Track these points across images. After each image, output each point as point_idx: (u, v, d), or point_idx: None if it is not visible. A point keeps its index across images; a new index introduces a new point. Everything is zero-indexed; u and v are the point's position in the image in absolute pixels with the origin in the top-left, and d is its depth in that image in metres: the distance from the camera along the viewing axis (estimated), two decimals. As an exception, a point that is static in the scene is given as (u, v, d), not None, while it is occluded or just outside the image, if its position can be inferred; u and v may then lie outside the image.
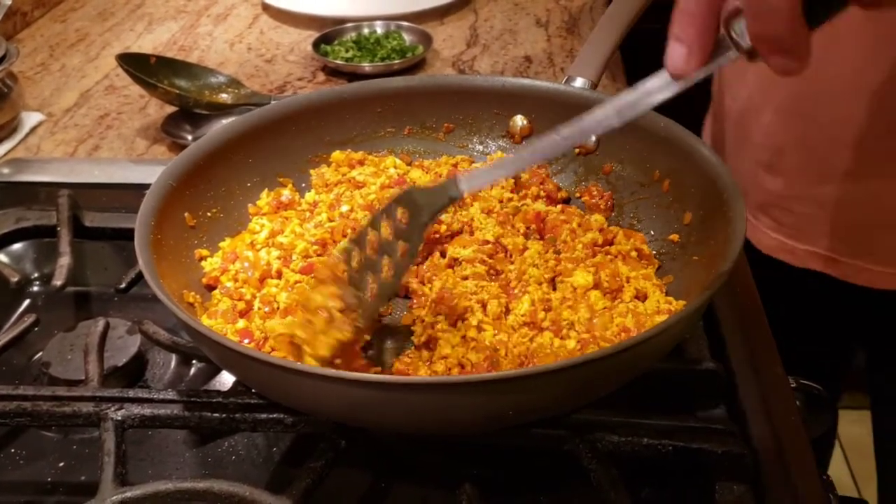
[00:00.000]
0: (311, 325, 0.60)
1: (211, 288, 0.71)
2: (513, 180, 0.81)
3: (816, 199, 0.86)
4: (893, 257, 0.86)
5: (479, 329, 0.64)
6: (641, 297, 0.67)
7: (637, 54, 1.38)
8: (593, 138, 0.81)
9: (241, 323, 0.66)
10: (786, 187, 0.88)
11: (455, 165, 0.84)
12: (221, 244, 0.74)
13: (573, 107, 0.81)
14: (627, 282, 0.68)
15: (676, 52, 0.49)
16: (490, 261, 0.71)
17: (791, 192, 0.88)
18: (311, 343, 0.59)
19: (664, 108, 0.76)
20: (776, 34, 0.45)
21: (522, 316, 0.65)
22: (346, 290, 0.62)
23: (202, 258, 0.73)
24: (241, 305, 0.68)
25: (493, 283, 0.69)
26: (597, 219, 0.75)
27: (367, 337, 0.63)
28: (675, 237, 0.73)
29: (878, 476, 1.08)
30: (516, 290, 0.68)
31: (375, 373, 0.62)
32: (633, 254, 0.70)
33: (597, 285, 0.68)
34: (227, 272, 0.71)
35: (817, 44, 0.76)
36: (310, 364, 0.59)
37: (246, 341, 0.65)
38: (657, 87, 0.52)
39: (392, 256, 0.62)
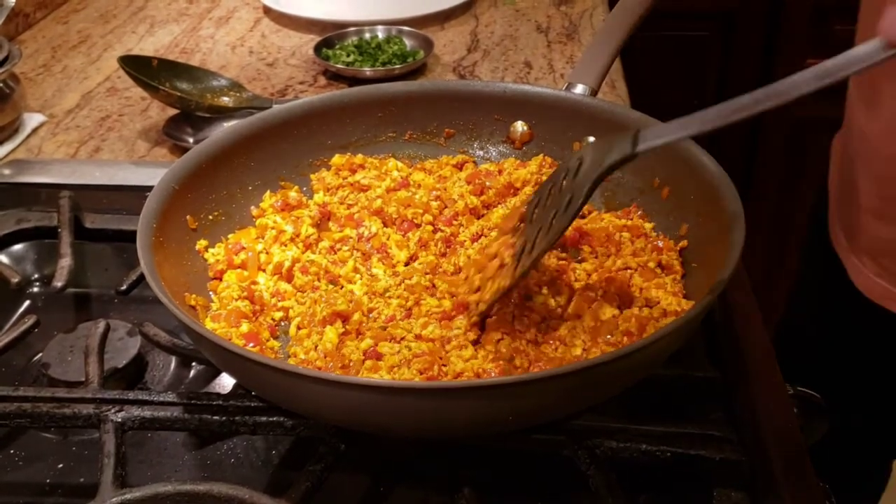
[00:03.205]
0: (486, 269, 0.64)
1: (217, 279, 0.72)
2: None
3: None
4: None
5: (498, 341, 0.64)
6: (652, 304, 0.67)
7: (637, 61, 1.38)
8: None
9: (245, 326, 0.67)
10: (894, 235, 0.84)
11: (459, 167, 0.84)
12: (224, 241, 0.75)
13: (573, 113, 0.82)
14: (640, 292, 0.68)
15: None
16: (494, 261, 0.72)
17: None
18: (483, 288, 0.63)
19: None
20: None
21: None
22: (520, 240, 0.63)
23: (203, 249, 0.73)
24: (246, 307, 0.69)
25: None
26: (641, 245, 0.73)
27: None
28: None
29: None
30: (515, 293, 0.68)
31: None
32: (651, 264, 0.70)
33: (604, 294, 0.68)
34: (234, 268, 0.72)
35: None
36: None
37: (251, 345, 0.65)
38: (865, 54, 0.50)
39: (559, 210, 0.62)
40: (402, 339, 0.65)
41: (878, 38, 0.49)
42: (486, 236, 0.75)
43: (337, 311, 0.67)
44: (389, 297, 0.69)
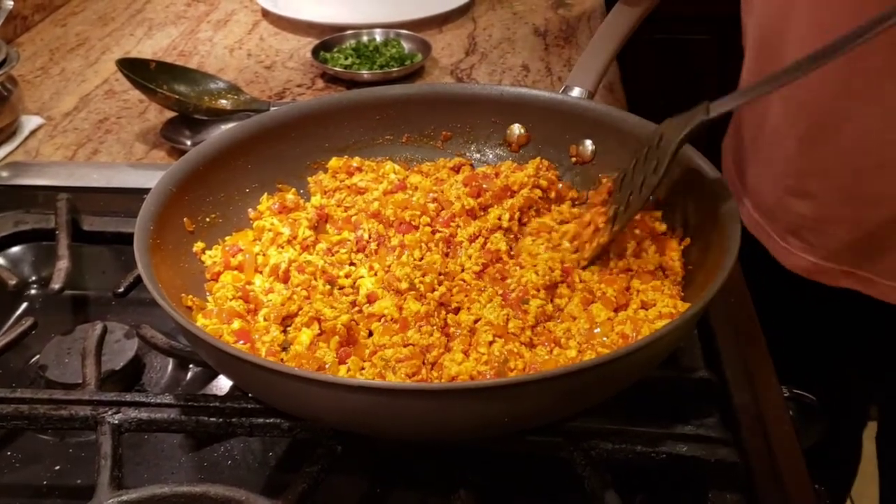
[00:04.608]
0: (581, 235, 0.73)
1: (214, 280, 0.72)
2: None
3: (847, 219, 0.85)
4: None
5: (490, 344, 0.64)
6: (648, 306, 0.67)
7: (635, 64, 1.39)
8: (591, 148, 0.82)
9: (237, 323, 0.67)
10: (816, 210, 0.87)
11: (456, 169, 0.84)
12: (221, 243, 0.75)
13: (570, 116, 0.82)
14: (636, 294, 0.68)
15: None
16: (497, 265, 0.72)
17: (821, 214, 0.87)
18: (582, 249, 0.72)
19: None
20: None
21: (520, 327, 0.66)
22: (611, 208, 0.72)
23: (201, 251, 0.73)
24: (240, 307, 0.69)
25: (492, 288, 0.69)
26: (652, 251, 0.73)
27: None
28: (670, 246, 0.73)
29: (880, 490, 1.08)
30: (513, 296, 0.68)
31: None
32: (650, 266, 0.70)
33: (602, 296, 0.68)
34: (230, 269, 0.72)
35: (835, 75, 0.76)
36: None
37: (241, 342, 0.65)
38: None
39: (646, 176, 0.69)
40: (383, 345, 0.65)
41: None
42: (483, 236, 0.75)
43: (321, 319, 0.66)
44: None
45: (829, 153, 0.84)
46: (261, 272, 0.73)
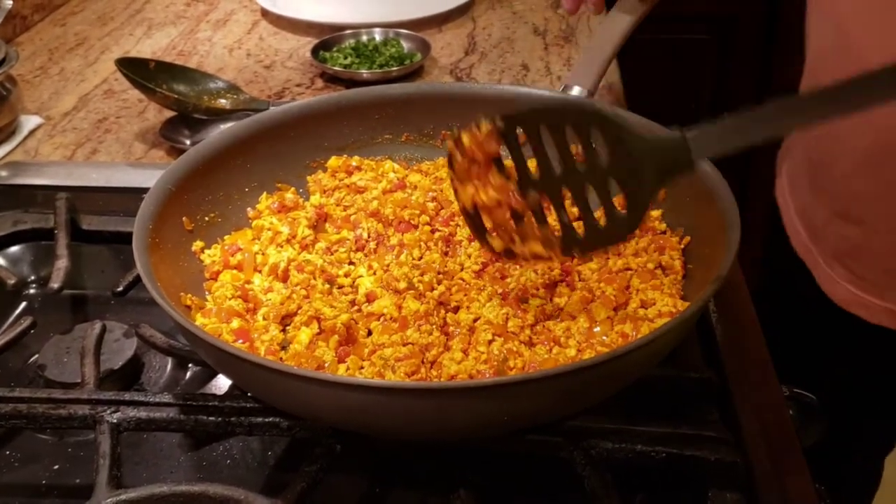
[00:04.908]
0: (494, 213, 0.55)
1: (213, 280, 0.72)
2: None
3: (894, 251, 0.81)
4: None
5: (489, 343, 0.64)
6: (648, 305, 0.67)
7: (634, 64, 1.39)
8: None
9: (236, 322, 0.67)
10: (864, 237, 0.82)
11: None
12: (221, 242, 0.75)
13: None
14: (636, 293, 0.68)
15: None
16: (498, 263, 0.72)
17: (869, 241, 0.82)
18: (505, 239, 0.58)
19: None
20: None
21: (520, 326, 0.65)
22: (531, 193, 0.54)
23: (200, 251, 0.74)
24: (239, 306, 0.69)
25: (491, 287, 0.69)
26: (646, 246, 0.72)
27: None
28: (670, 246, 0.73)
29: None
30: (512, 295, 0.68)
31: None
32: (650, 265, 0.70)
33: (601, 295, 0.68)
34: (229, 268, 0.72)
35: None
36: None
37: (240, 341, 0.65)
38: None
39: (599, 192, 0.54)
40: (382, 344, 0.64)
41: None
42: None
43: (321, 318, 0.66)
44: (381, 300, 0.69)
45: (886, 175, 0.78)
46: (260, 271, 0.73)
